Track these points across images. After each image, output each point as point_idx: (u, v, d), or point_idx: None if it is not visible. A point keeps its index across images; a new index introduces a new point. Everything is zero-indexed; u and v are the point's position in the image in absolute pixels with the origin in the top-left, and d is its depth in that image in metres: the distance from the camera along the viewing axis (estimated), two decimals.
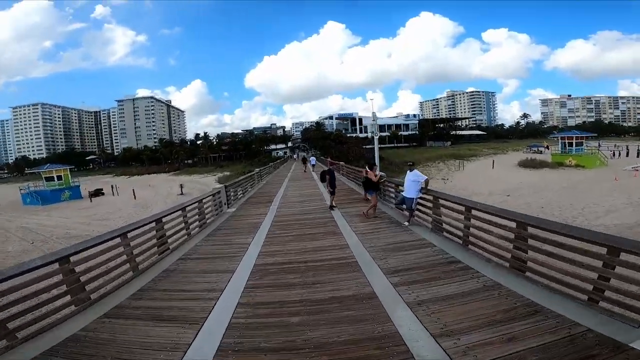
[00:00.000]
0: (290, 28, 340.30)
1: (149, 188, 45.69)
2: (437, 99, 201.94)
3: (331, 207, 10.88)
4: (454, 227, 6.51)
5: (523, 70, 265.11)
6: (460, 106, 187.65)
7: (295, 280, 5.21)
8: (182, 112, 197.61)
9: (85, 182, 72.98)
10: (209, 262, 6.42)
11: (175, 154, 79.41)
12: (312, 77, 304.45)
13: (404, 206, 8.27)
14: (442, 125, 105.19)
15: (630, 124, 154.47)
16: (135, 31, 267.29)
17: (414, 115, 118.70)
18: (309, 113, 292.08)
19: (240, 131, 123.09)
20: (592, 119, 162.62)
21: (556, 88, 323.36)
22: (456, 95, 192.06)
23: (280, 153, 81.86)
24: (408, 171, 8.15)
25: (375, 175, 9.83)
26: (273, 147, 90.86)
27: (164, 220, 7.30)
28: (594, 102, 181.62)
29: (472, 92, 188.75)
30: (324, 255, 6.32)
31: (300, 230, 8.60)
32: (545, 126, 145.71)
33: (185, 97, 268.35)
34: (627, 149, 51.41)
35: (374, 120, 15.06)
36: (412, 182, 7.90)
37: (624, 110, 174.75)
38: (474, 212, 5.81)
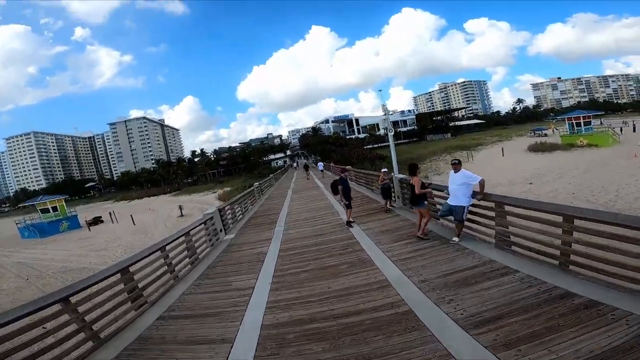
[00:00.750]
0: (275, 36, 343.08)
1: (148, 212, 44.14)
2: (430, 92, 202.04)
3: (349, 224, 9.08)
4: (538, 242, 4.90)
5: (509, 58, 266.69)
6: (454, 97, 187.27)
7: (325, 356, 3.43)
8: (177, 130, 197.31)
9: (87, 210, 71.63)
10: (198, 323, 4.68)
11: (173, 174, 77.88)
12: (302, 82, 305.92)
13: (452, 217, 6.48)
14: (439, 117, 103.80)
15: (624, 101, 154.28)
16: (119, 51, 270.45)
17: (409, 111, 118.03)
18: (304, 119, 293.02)
19: (238, 144, 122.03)
20: (586, 99, 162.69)
21: (543, 72, 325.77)
22: (448, 87, 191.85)
23: (280, 162, 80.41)
24: (452, 172, 6.47)
25: (427, 186, 7.44)
26: (272, 157, 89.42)
27: (133, 269, 5.58)
28: (584, 82, 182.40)
29: (464, 82, 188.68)
30: (360, 303, 4.43)
31: (317, 262, 6.54)
32: (541, 109, 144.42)
33: (179, 114, 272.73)
34: (634, 124, 50.02)
35: (385, 115, 13.29)
36: (460, 185, 6.23)
37: (615, 88, 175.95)
38: (577, 222, 4.22)
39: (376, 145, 71.32)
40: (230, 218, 11.93)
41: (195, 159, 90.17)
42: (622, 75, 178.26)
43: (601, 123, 42.47)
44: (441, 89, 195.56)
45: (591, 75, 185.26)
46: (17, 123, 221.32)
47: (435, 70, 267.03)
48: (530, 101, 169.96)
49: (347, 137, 69.04)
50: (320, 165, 33.96)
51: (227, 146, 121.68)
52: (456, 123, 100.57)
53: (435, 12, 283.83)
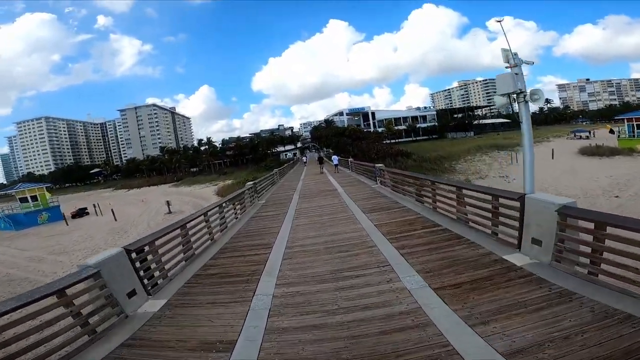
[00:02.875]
0: (292, 28, 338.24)
1: (141, 204, 39.64)
2: (448, 89, 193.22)
3: None
4: None
5: (532, 58, 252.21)
6: (475, 95, 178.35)
7: None
8: (188, 118, 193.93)
9: (84, 197, 68.16)
10: None
11: (175, 162, 73.46)
12: (318, 75, 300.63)
13: None
14: (459, 115, 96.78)
15: None
16: (141, 40, 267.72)
17: (425, 108, 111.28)
18: (317, 112, 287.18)
19: (249, 135, 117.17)
20: (615, 102, 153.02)
21: (567, 73, 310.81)
22: (469, 84, 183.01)
23: (289, 155, 75.07)
24: None
25: None
26: (281, 148, 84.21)
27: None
28: (614, 85, 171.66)
29: (486, 80, 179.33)
30: None
31: None
32: (569, 111, 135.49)
33: (195, 103, 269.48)
34: None
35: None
36: None
37: None
38: None
39: (394, 141, 65.77)
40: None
41: (202, 148, 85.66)
42: None
43: None
44: (461, 86, 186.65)
45: (622, 78, 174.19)
46: (37, 109, 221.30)
47: (455, 68, 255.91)
48: (554, 103, 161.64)
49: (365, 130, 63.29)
50: (335, 159, 28.75)
51: (238, 136, 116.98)
52: (480, 121, 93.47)
53: (457, 10, 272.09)
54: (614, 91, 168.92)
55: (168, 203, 28.91)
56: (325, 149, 61.75)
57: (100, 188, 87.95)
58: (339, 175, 22.11)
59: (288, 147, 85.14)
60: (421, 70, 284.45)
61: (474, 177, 24.20)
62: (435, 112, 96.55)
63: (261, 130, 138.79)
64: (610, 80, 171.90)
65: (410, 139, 79.94)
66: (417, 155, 34.18)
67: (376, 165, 14.16)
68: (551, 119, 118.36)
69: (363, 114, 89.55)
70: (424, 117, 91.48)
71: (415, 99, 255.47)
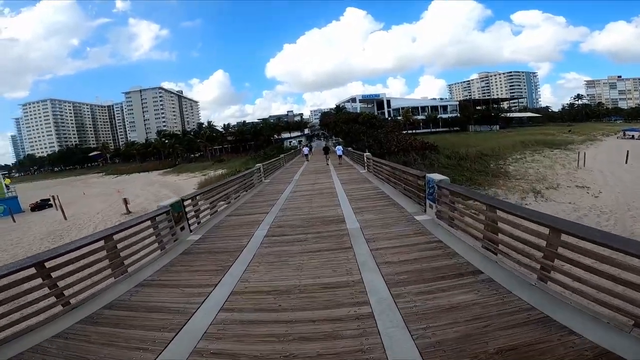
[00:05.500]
0: (309, 15, 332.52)
1: (115, 195, 33.63)
2: (468, 80, 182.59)
3: None
4: None
5: (556, 53, 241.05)
6: (496, 88, 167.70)
7: None
8: (196, 102, 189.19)
9: (70, 183, 63.16)
10: None
11: (169, 147, 67.29)
12: (332, 64, 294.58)
13: None
14: (483, 107, 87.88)
15: None
16: (159, 24, 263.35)
17: (441, 99, 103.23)
18: (329, 100, 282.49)
19: (257, 120, 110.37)
20: None
21: (592, 71, 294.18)
22: (490, 76, 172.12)
23: (294, 142, 67.99)
24: None
25: None
26: (287, 135, 77.26)
27: None
28: None
29: (511, 72, 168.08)
30: None
31: None
32: (603, 108, 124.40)
33: (208, 88, 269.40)
34: None
35: None
36: None
37: None
38: None
39: (411, 132, 58.42)
40: None
41: (204, 133, 79.16)
42: None
43: None
44: (482, 78, 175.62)
45: None
46: (52, 92, 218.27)
47: (474, 61, 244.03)
48: (585, 99, 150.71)
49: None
50: (339, 149, 24.09)
51: (244, 121, 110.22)
52: (507, 114, 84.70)
53: (481, 1, 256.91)
54: None
55: (126, 202, 22.60)
56: (334, 137, 54.78)
57: (96, 172, 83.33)
58: (340, 166, 18.62)
59: (295, 134, 77.97)
60: (438, 62, 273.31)
61: (541, 186, 17.14)
62: (457, 103, 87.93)
63: (270, 116, 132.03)
64: None
65: (429, 130, 72.29)
66: (451, 151, 27.07)
67: (429, 176, 7.32)
68: (583, 116, 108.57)
69: (377, 102, 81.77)
70: (445, 108, 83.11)
71: (430, 90, 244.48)
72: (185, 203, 7.47)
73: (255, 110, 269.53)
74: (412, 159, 24.72)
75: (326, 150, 24.53)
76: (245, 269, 5.21)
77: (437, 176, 6.54)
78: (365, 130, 35.54)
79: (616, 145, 35.73)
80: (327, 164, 22.59)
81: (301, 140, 68.64)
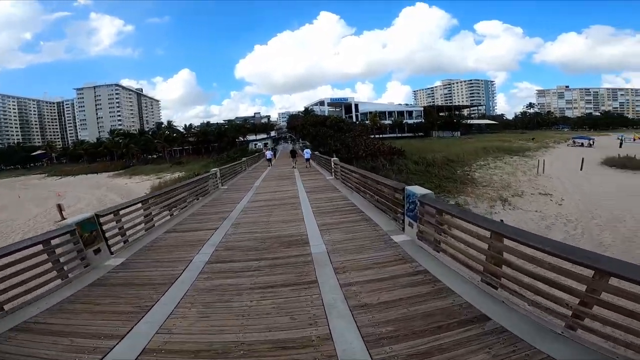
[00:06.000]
0: (282, 17, 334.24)
1: (54, 199, 29.80)
2: (432, 87, 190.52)
3: None
4: None
5: (513, 63, 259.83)
6: (458, 95, 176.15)
7: None
8: (157, 101, 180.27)
9: (12, 183, 56.26)
10: None
11: (123, 147, 62.22)
12: (304, 67, 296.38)
13: None
14: (445, 113, 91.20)
15: (630, 116, 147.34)
16: (123, 20, 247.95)
17: (406, 104, 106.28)
18: (298, 103, 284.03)
19: (223, 121, 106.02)
20: (590, 110, 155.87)
21: (543, 80, 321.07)
22: (453, 83, 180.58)
23: (260, 145, 65.67)
24: None
25: None
26: (253, 137, 74.64)
27: None
28: (592, 93, 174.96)
29: (472, 80, 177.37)
30: None
31: None
32: (552, 116, 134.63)
33: (173, 87, 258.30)
34: None
35: None
36: None
37: (622, 103, 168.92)
38: None
39: (378, 136, 58.72)
40: None
41: (162, 133, 74.31)
42: (632, 89, 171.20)
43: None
44: (445, 85, 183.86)
45: (599, 87, 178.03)
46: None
47: (440, 69, 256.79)
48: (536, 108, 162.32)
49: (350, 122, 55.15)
50: (307, 153, 23.66)
51: (208, 122, 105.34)
52: (468, 121, 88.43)
53: (449, 11, 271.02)
54: (590, 100, 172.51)
55: (60, 208, 19.71)
56: (301, 141, 53.51)
57: (38, 173, 75.37)
58: (308, 171, 17.46)
59: (260, 137, 75.58)
60: (406, 68, 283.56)
61: (507, 194, 17.08)
62: (422, 109, 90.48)
63: (236, 117, 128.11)
64: (588, 89, 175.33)
65: (396, 135, 73.36)
66: (418, 156, 26.90)
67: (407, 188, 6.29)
68: (534, 124, 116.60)
69: (346, 105, 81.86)
70: (410, 113, 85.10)
71: (397, 96, 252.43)
72: (104, 219, 5.82)
73: (222, 111, 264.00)
74: (381, 165, 24.13)
75: (293, 154, 23.85)
76: (172, 312, 3.85)
77: (418, 189, 5.48)
78: (333, 133, 34.66)
79: (568, 153, 37.91)
80: (294, 167, 21.58)
81: (267, 143, 66.54)
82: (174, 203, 9.61)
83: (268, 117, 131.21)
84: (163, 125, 75.28)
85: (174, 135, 68.43)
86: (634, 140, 53.18)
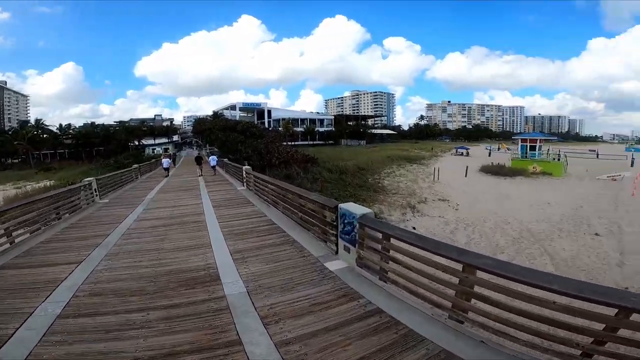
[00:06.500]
0: (199, 16, 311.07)
1: None
2: (342, 97, 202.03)
3: None
4: None
5: (410, 79, 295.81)
6: (364, 105, 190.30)
7: None
8: (25, 96, 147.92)
9: None
10: None
11: None
12: (218, 69, 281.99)
13: None
14: (353, 123, 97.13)
15: (493, 129, 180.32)
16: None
17: (317, 113, 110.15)
18: (206, 107, 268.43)
19: (114, 122, 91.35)
20: (465, 124, 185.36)
21: (431, 96, 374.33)
22: (361, 94, 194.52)
23: (159, 150, 58.21)
24: None
25: None
26: (151, 142, 66.06)
27: None
28: (467, 108, 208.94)
29: (376, 92, 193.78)
30: None
31: None
32: (438, 128, 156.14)
33: (51, 82, 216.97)
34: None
35: None
36: None
37: (489, 117, 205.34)
38: None
39: (291, 143, 58.51)
40: None
41: (26, 132, 59.73)
42: (495, 105, 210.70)
43: (548, 150, 38.51)
44: (353, 95, 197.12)
45: (472, 103, 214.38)
46: None
47: (350, 80, 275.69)
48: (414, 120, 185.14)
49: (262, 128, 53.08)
50: (214, 159, 21.96)
51: (92, 123, 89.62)
52: (372, 131, 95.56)
53: (365, 25, 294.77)
54: (465, 114, 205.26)
55: None
56: (209, 147, 49.43)
57: None
58: (214, 179, 15.74)
59: (161, 141, 67.51)
60: (320, 77, 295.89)
61: (414, 201, 18.06)
62: (332, 117, 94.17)
63: (131, 119, 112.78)
64: (464, 104, 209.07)
65: (307, 142, 74.41)
66: (331, 164, 27.05)
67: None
68: (424, 134, 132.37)
69: (258, 111, 79.76)
70: (322, 121, 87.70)
71: (309, 104, 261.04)
72: None
73: (114, 112, 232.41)
74: (295, 173, 23.36)
75: (199, 160, 21.59)
76: None
77: (356, 208, 4.61)
78: (245, 139, 32.59)
79: (453, 161, 43.51)
80: (200, 176, 19.43)
81: (167, 148, 59.60)
82: (19, 224, 6.86)
83: (171, 120, 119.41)
84: (29, 125, 60.79)
85: (44, 136, 55.72)
86: (502, 149, 64.08)
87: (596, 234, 13.21)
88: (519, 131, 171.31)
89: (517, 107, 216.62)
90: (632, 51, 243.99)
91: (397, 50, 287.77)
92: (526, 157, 35.69)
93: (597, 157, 51.41)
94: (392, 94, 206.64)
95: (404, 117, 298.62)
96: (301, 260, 5.06)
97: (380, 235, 4.06)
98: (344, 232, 4.66)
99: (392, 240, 3.91)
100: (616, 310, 2.32)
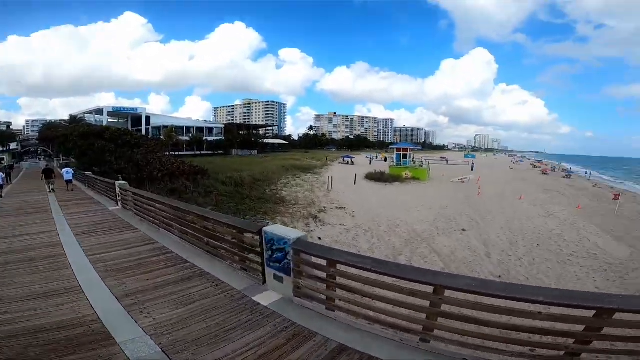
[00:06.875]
0: (63, 8, 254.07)
1: None
2: (233, 105, 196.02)
3: None
4: None
5: (301, 89, 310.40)
6: (256, 115, 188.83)
7: None
8: None
9: None
10: None
11: None
12: (81, 68, 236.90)
13: None
14: (245, 132, 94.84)
15: (370, 139, 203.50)
16: None
17: (205, 121, 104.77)
18: (60, 111, 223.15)
19: None
20: (348, 134, 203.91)
21: (319, 107, 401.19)
22: (253, 103, 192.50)
23: None
24: None
25: None
26: None
27: None
28: (350, 119, 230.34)
29: (268, 102, 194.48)
30: None
31: None
32: (325, 138, 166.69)
33: None
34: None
35: None
36: None
37: (367, 128, 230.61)
38: None
39: (175, 154, 52.83)
40: None
41: None
42: (372, 117, 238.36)
43: (413, 158, 45.20)
44: (245, 104, 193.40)
45: (354, 115, 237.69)
46: None
47: (242, 88, 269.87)
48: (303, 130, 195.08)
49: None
50: (68, 172, 18.10)
51: None
52: (264, 140, 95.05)
53: (263, 33, 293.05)
54: (348, 125, 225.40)
55: None
56: (63, 157, 39.91)
57: None
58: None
59: None
60: (211, 83, 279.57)
61: (315, 211, 18.20)
62: (222, 126, 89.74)
63: None
64: (347, 116, 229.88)
65: (194, 152, 68.67)
66: (224, 176, 25.12)
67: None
68: (313, 144, 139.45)
69: (134, 117, 69.87)
70: (210, 130, 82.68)
71: (196, 111, 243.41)
72: None
73: None
74: (183, 186, 20.77)
75: (48, 174, 17.05)
76: None
77: (285, 231, 3.99)
78: (115, 149, 27.39)
79: (341, 169, 46.72)
80: (50, 192, 15.81)
81: (1, 159, 45.75)
82: None
83: (8, 124, 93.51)
84: None
85: None
86: (380, 158, 72.16)
87: (463, 230, 15.80)
88: (390, 141, 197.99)
89: (389, 119, 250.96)
90: (470, 71, 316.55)
91: (291, 60, 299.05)
92: (400, 164, 41.06)
93: (447, 163, 63.23)
94: (284, 104, 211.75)
95: (294, 127, 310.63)
96: (223, 297, 4.08)
97: (324, 262, 3.55)
98: (274, 260, 3.95)
99: (340, 267, 3.45)
100: (594, 312, 2.48)
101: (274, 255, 3.91)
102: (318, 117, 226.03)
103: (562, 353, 2.64)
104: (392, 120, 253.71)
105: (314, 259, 3.70)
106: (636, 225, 18.78)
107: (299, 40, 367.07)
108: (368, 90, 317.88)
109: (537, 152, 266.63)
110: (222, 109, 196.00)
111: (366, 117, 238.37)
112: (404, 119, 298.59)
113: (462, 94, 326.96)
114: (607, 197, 29.19)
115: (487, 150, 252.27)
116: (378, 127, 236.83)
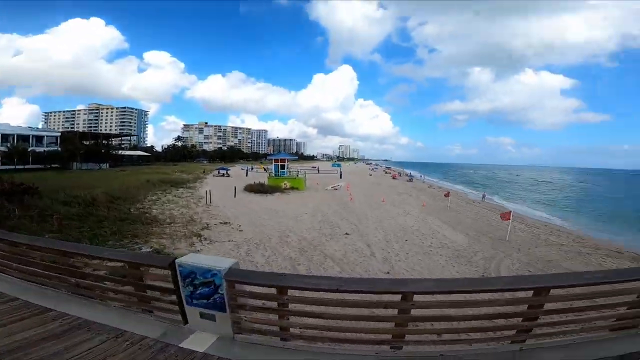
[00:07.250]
0: None
1: None
2: (74, 111, 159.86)
3: None
4: None
5: (168, 96, 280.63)
6: (107, 122, 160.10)
7: None
8: None
9: None
10: None
11: None
12: None
13: None
14: (91, 142, 78.19)
15: (245, 150, 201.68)
16: None
17: (31, 127, 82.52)
18: None
19: None
20: (221, 145, 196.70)
21: (187, 116, 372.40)
22: (102, 109, 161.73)
23: None
24: None
25: None
26: None
27: None
28: (222, 130, 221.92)
29: (125, 108, 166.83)
30: None
31: None
32: (195, 150, 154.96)
33: None
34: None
35: None
36: None
37: (240, 139, 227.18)
38: None
39: None
40: None
41: None
42: (246, 128, 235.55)
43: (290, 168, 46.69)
44: (92, 110, 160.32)
45: (228, 125, 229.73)
46: None
47: (89, 91, 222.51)
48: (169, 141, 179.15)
49: None
50: None
51: None
52: (119, 152, 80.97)
53: (125, 33, 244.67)
54: (221, 136, 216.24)
55: None
56: None
57: None
58: None
59: None
60: (39, 83, 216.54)
61: (197, 229, 16.12)
62: (59, 135, 71.86)
63: None
64: (220, 126, 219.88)
65: (14, 167, 52.25)
66: (65, 194, 19.58)
67: None
68: (181, 156, 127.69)
69: None
70: (40, 139, 65.00)
71: (17, 116, 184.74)
72: None
73: None
74: (5, 211, 15.16)
75: None
76: None
77: (210, 261, 3.19)
78: None
79: (217, 182, 44.33)
80: None
81: None
82: None
83: None
84: None
85: None
86: (258, 169, 71.72)
87: (347, 234, 17.00)
88: (264, 152, 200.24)
89: (262, 130, 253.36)
90: (337, 86, 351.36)
91: (158, 64, 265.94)
92: (279, 175, 41.75)
93: (319, 172, 68.24)
94: (146, 111, 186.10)
95: (156, 137, 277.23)
96: (136, 351, 2.81)
97: (274, 291, 2.97)
98: (197, 296, 3.05)
99: (293, 292, 2.99)
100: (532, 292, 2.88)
101: (198, 291, 3.04)
102: (187, 127, 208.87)
103: (514, 332, 3.04)
104: (265, 131, 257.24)
105: (257, 289, 3.08)
106: (461, 215, 24.33)
107: (170, 44, 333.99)
108: (243, 99, 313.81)
109: (386, 160, 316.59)
110: (57, 114, 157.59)
111: (240, 128, 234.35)
112: (277, 130, 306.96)
113: (330, 107, 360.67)
114: (440, 195, 36.92)
115: (349, 159, 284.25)
116: (252, 138, 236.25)
